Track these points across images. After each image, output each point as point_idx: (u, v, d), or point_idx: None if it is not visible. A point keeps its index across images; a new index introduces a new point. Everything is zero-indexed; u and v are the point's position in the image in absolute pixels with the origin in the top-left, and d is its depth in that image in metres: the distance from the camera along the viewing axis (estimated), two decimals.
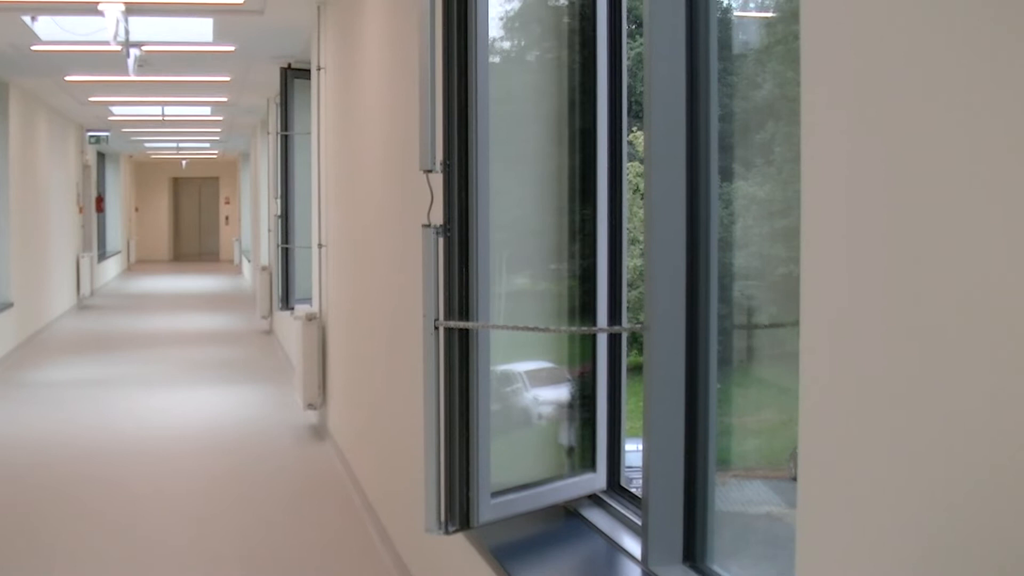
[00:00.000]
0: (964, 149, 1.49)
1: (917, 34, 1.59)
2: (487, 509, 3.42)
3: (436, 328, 3.36)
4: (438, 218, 3.39)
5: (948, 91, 1.52)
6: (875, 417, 1.70)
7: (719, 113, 3.05)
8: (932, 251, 1.56)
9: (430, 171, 3.34)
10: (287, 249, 10.75)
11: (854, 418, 1.77)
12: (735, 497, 3.34)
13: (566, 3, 3.77)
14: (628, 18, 3.74)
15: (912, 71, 1.59)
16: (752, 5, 3.75)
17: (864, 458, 1.74)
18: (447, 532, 3.40)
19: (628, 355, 3.90)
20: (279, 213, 11.06)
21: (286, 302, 10.78)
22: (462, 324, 3.36)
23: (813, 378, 1.90)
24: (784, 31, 3.54)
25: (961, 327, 1.50)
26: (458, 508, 3.39)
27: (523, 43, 3.80)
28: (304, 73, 10.46)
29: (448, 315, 3.37)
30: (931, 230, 1.56)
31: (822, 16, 1.86)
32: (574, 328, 3.81)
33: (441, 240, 3.36)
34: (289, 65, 10.98)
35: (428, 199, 3.44)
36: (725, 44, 3.19)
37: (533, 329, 3.68)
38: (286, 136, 10.90)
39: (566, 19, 3.76)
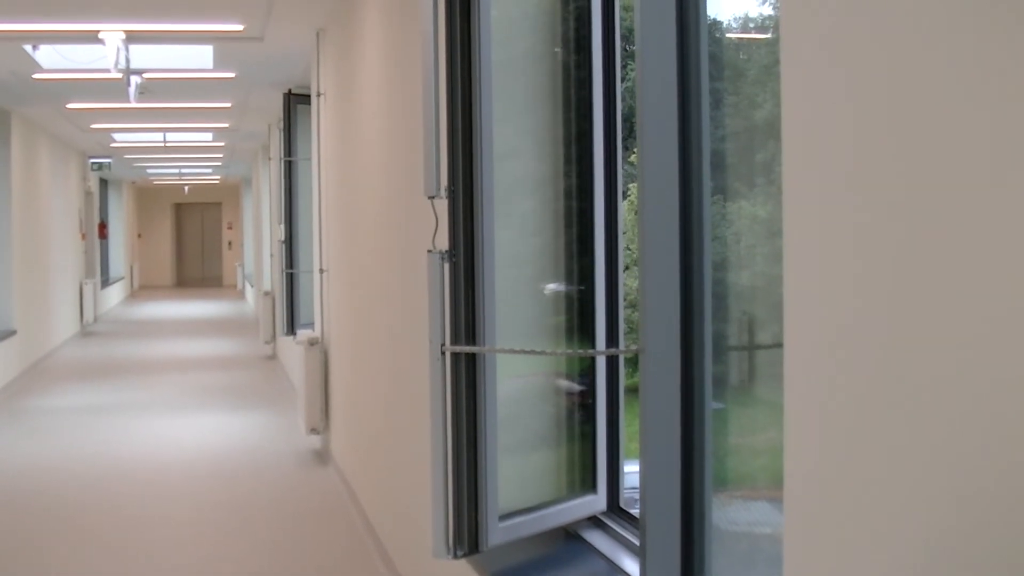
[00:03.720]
0: (948, 163, 1.50)
1: (900, 44, 1.60)
2: (495, 533, 3.43)
3: (443, 353, 3.37)
4: (443, 243, 3.41)
5: (931, 97, 1.53)
6: (861, 439, 1.71)
7: (721, 134, 3.06)
8: (916, 268, 1.57)
9: (434, 197, 3.36)
10: (291, 274, 10.75)
11: (839, 440, 1.78)
12: (740, 518, 3.34)
13: (560, 30, 3.79)
14: (624, 43, 3.76)
15: (894, 80, 1.61)
16: (751, 24, 3.77)
17: (849, 479, 1.74)
18: (455, 556, 3.40)
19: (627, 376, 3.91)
20: (283, 238, 11.07)
21: (291, 327, 10.75)
22: (469, 349, 3.37)
23: (798, 399, 1.91)
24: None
25: (946, 347, 1.51)
26: (466, 532, 3.39)
27: (518, 68, 3.82)
28: (307, 98, 10.50)
29: (455, 340, 3.38)
30: (915, 247, 1.57)
31: (801, 31, 1.87)
32: (571, 351, 3.82)
33: (447, 265, 3.38)
34: (290, 91, 11.01)
35: (427, 223, 3.46)
36: (724, 64, 3.20)
37: (532, 352, 3.68)
38: (289, 161, 10.92)
39: (560, 45, 3.78)
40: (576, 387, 3.88)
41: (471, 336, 3.39)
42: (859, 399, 1.74)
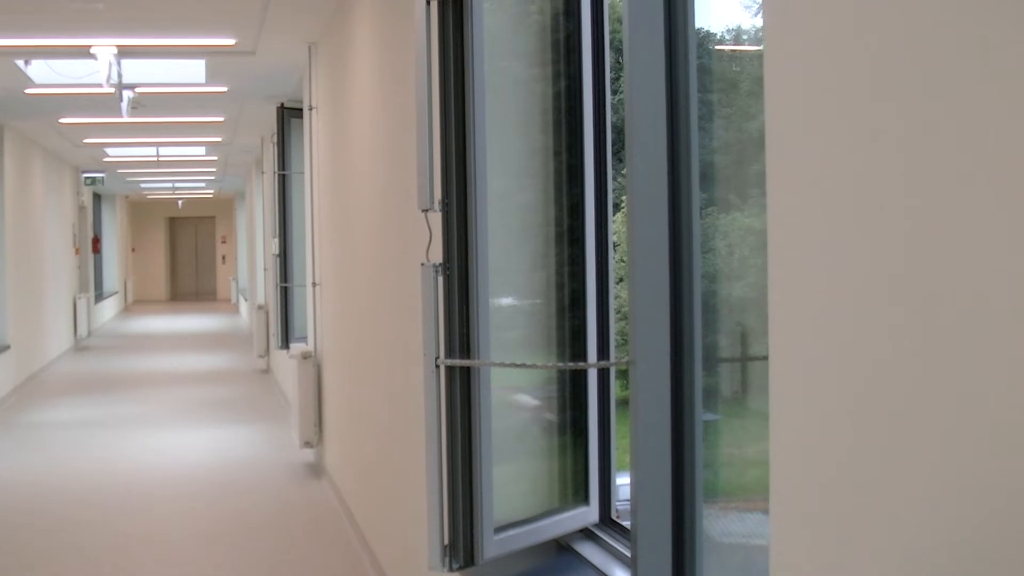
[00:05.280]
0: (936, 172, 1.50)
1: (885, 50, 1.61)
2: (491, 545, 3.43)
3: (437, 366, 3.37)
4: (436, 256, 3.41)
5: (920, 102, 1.54)
6: (847, 449, 1.71)
7: (715, 145, 3.07)
8: (904, 277, 1.57)
9: (428, 210, 3.36)
10: (285, 288, 10.74)
11: (825, 451, 1.78)
12: (734, 529, 3.34)
13: (551, 43, 3.79)
14: (616, 55, 3.76)
15: (878, 87, 1.61)
16: (745, 37, 3.78)
17: (836, 490, 1.75)
18: (451, 569, 3.40)
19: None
20: (277, 252, 11.07)
21: (285, 341, 10.73)
22: (463, 362, 3.37)
23: (783, 411, 1.91)
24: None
25: (934, 356, 1.51)
26: (462, 544, 3.39)
27: (509, 80, 3.83)
28: (300, 112, 10.50)
29: (449, 353, 3.38)
30: (904, 256, 1.57)
31: (784, 42, 1.88)
32: (561, 364, 3.82)
33: (441, 278, 3.38)
34: (283, 105, 11.01)
35: (421, 236, 3.46)
36: (718, 76, 3.21)
37: (523, 366, 3.69)
38: (283, 175, 10.92)
39: (550, 57, 3.79)
40: (568, 399, 3.88)
41: (465, 349, 3.39)
42: (845, 410, 1.74)
